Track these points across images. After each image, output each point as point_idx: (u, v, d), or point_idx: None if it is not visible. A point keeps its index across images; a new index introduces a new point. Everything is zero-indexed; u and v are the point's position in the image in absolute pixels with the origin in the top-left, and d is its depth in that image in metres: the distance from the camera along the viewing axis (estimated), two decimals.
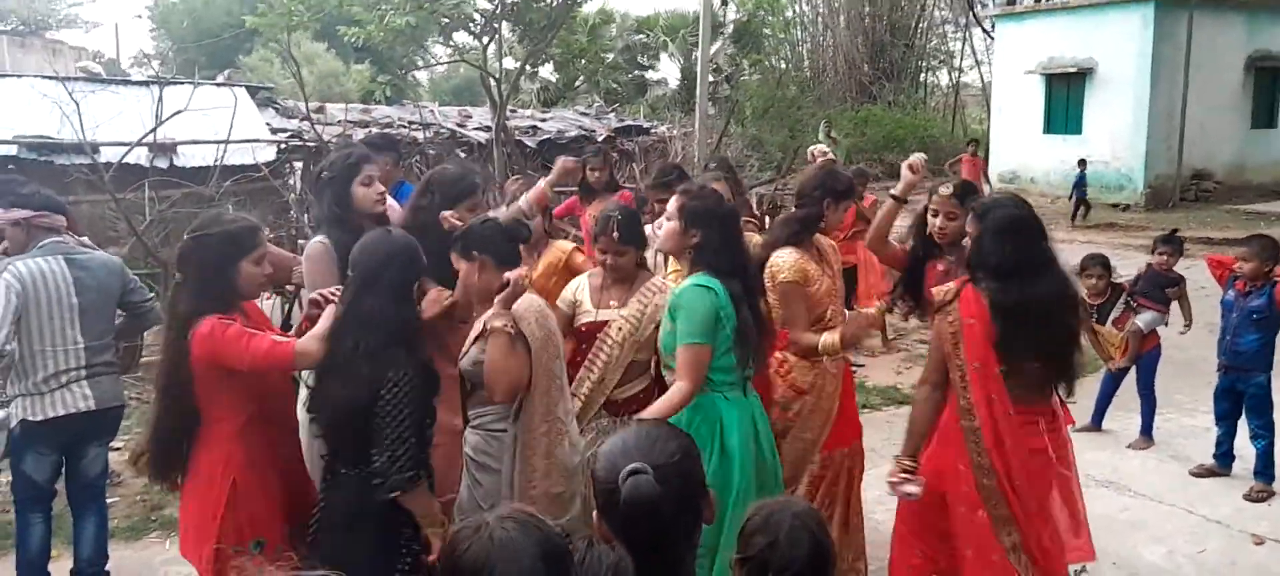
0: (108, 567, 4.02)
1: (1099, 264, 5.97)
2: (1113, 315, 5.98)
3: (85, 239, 4.01)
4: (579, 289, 3.76)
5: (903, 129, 23.81)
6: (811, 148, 8.12)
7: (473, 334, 3.04)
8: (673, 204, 3.29)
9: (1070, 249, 12.93)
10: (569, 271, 4.34)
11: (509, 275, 2.93)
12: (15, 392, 3.74)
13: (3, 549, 4.46)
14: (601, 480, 1.77)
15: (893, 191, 3.97)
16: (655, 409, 3.08)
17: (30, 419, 3.70)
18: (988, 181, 16.15)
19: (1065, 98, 19.09)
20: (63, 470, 3.91)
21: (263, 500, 3.00)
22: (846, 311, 3.92)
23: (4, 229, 3.76)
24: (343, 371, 2.73)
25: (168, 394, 2.98)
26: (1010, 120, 20.28)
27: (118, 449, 4.90)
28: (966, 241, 3.35)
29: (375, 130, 11.30)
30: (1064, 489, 3.40)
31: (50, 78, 10.37)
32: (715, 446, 3.11)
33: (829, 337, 3.51)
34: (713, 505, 1.87)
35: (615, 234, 3.47)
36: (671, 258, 3.84)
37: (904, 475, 3.12)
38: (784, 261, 3.64)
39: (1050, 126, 19.47)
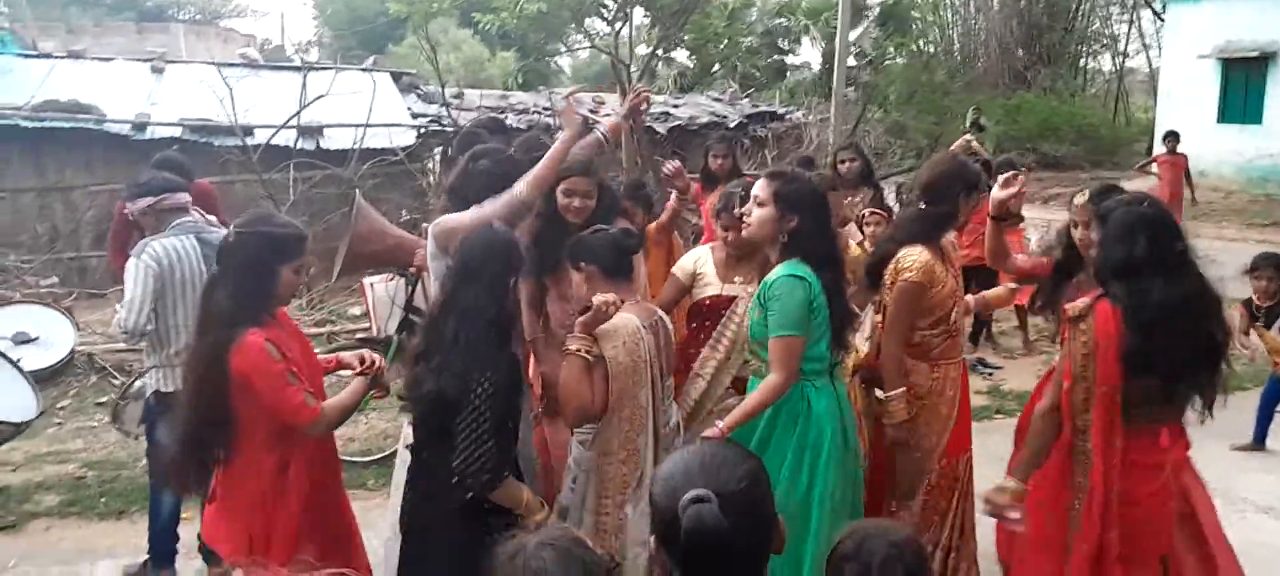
0: None
1: (1271, 264, 5.45)
2: None
3: (212, 217, 4.19)
4: (701, 261, 3.70)
5: (1058, 117, 22.45)
6: (962, 137, 7.67)
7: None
8: (763, 188, 3.10)
9: (1247, 248, 11.94)
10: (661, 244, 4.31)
11: (596, 299, 2.84)
12: (150, 364, 3.95)
13: (143, 510, 4.74)
14: (660, 506, 1.60)
15: (990, 211, 3.67)
16: (749, 402, 3.00)
17: (163, 389, 3.88)
18: (1190, 184, 12.46)
19: (1244, 84, 17.54)
20: None
21: (286, 530, 2.89)
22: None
23: (137, 219, 3.97)
24: (438, 361, 2.71)
25: (199, 396, 2.83)
26: (1179, 108, 18.78)
27: None
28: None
29: (510, 115, 11.50)
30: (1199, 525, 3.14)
31: (211, 63, 10.98)
32: (798, 436, 3.03)
33: (897, 404, 3.40)
34: (783, 534, 1.68)
35: (738, 211, 3.42)
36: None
37: (1011, 501, 2.93)
38: (914, 260, 3.41)
39: (1225, 115, 17.94)
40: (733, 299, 3.47)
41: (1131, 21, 26.73)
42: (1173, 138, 12.55)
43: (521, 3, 10.59)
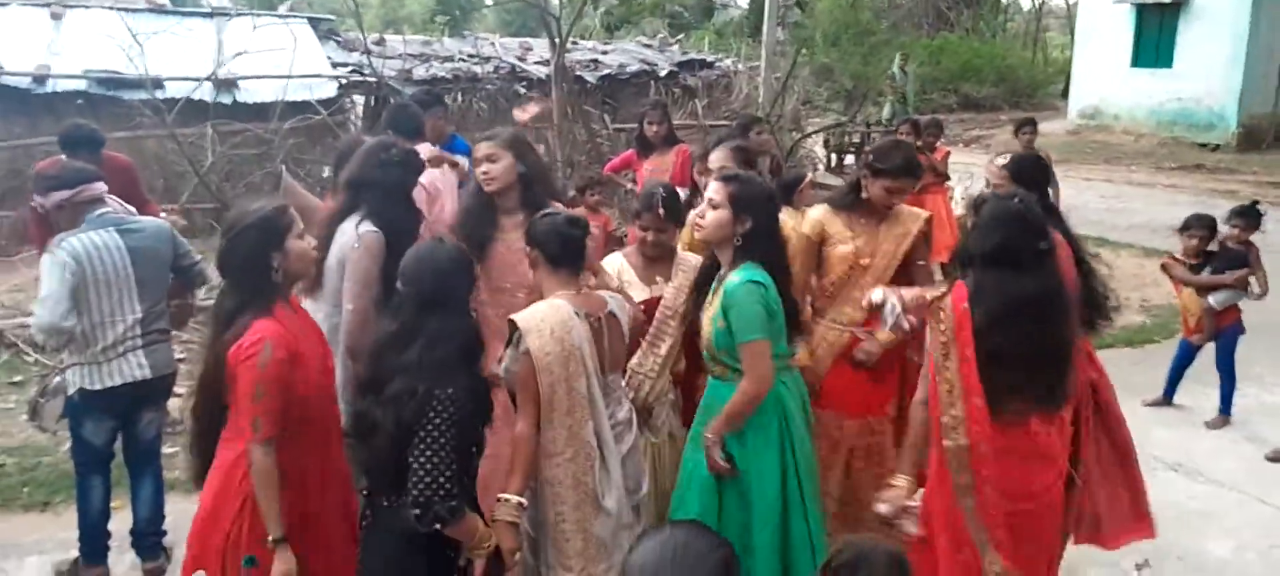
0: (165, 526, 4.10)
1: (1204, 226, 5.63)
2: None
3: (131, 207, 4.01)
4: (622, 271, 3.68)
5: (980, 59, 22.89)
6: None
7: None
8: (718, 192, 3.09)
9: (1154, 193, 12.22)
10: None
11: None
12: (72, 361, 3.80)
13: (67, 501, 4.60)
14: None
15: None
16: (727, 411, 3.02)
17: (88, 387, 3.76)
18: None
19: (1157, 29, 18.09)
20: (120, 434, 3.98)
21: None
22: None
23: (51, 215, 3.77)
24: (397, 391, 2.55)
25: (205, 391, 2.82)
26: (1095, 51, 19.31)
27: (179, 395, 4.90)
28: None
29: (434, 62, 11.20)
30: (1120, 470, 3.47)
31: (115, 9, 10.39)
32: (781, 430, 3.09)
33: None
34: None
35: (660, 211, 3.55)
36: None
37: (904, 493, 2.91)
38: (810, 214, 3.80)
39: (1139, 60, 18.49)
40: (658, 300, 3.49)
41: None
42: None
43: None
